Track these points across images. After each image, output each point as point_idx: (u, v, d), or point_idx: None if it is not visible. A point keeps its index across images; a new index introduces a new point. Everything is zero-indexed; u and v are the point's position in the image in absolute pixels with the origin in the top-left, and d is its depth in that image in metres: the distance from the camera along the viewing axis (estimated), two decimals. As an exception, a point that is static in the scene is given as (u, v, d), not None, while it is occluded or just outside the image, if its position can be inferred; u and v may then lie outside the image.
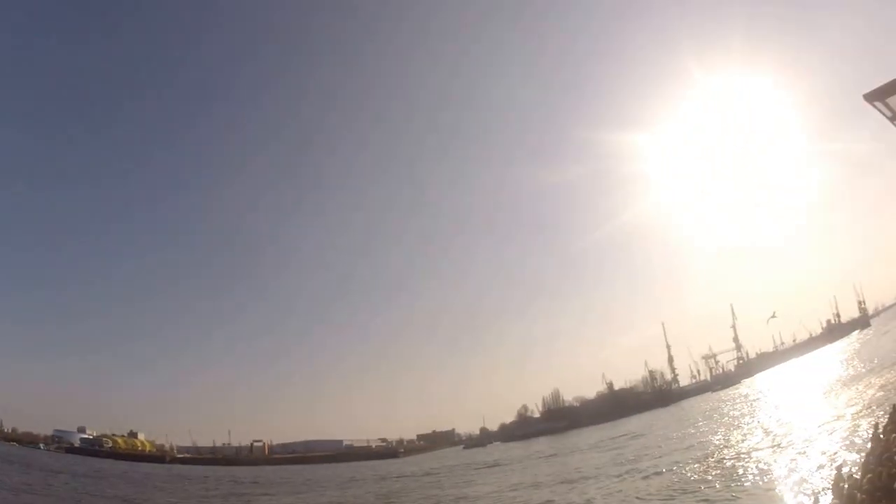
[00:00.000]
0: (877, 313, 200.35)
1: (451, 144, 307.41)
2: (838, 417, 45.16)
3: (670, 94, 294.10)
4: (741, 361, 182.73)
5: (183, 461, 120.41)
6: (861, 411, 43.92)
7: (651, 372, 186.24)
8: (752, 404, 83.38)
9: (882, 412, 33.18)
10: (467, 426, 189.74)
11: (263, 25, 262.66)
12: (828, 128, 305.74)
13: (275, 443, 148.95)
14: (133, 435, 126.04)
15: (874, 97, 17.51)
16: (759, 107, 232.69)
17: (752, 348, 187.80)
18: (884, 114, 18.17)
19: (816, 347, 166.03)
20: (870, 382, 53.72)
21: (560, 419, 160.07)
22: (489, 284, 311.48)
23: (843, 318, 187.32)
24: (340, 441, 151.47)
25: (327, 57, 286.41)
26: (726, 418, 73.61)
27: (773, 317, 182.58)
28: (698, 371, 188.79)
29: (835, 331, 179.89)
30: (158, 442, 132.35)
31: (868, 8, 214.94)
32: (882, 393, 45.54)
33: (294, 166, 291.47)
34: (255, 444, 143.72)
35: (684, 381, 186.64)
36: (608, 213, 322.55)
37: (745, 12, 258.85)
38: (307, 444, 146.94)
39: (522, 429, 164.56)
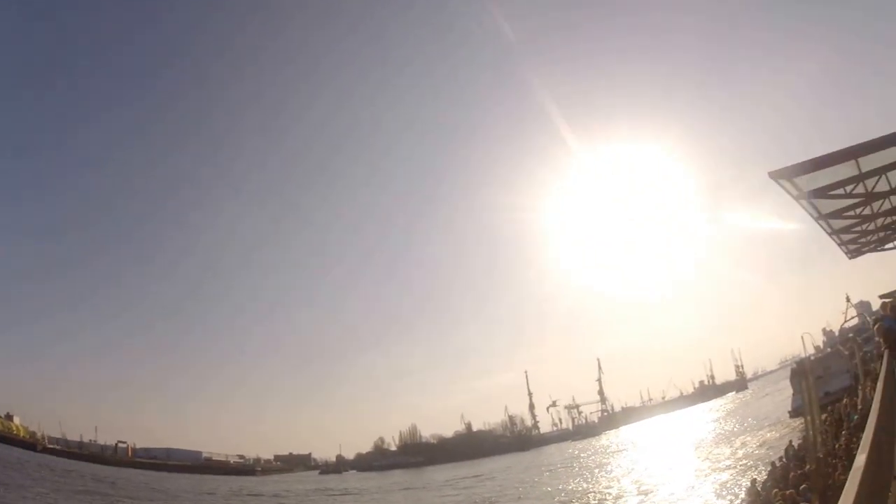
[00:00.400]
0: (756, 377, 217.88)
1: (342, 178, 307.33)
2: (710, 472, 45.66)
3: (559, 158, 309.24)
4: (605, 414, 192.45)
5: (53, 452, 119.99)
6: (733, 466, 44.65)
7: (511, 416, 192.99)
8: (615, 455, 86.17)
9: (763, 468, 33.00)
10: (325, 452, 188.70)
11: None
12: (728, 198, 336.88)
13: (138, 446, 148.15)
14: (9, 418, 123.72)
15: (780, 175, 18.62)
16: (654, 174, 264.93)
17: (618, 402, 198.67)
18: (789, 192, 19.50)
19: (688, 405, 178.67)
20: (744, 441, 55.32)
21: (417, 454, 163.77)
22: (363, 317, 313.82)
23: (719, 380, 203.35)
24: (200, 453, 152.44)
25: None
26: (589, 466, 74.98)
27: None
28: (560, 420, 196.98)
29: (707, 391, 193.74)
30: (31, 429, 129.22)
31: (772, 98, 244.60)
32: (761, 451, 46.61)
33: (184, 178, 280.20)
34: (120, 444, 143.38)
35: (545, 428, 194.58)
36: (488, 263, 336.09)
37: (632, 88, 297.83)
38: (169, 452, 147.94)
39: (379, 460, 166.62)
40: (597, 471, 70.26)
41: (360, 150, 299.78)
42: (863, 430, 21.51)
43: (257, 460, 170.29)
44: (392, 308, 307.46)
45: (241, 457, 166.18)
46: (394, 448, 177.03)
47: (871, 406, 12.15)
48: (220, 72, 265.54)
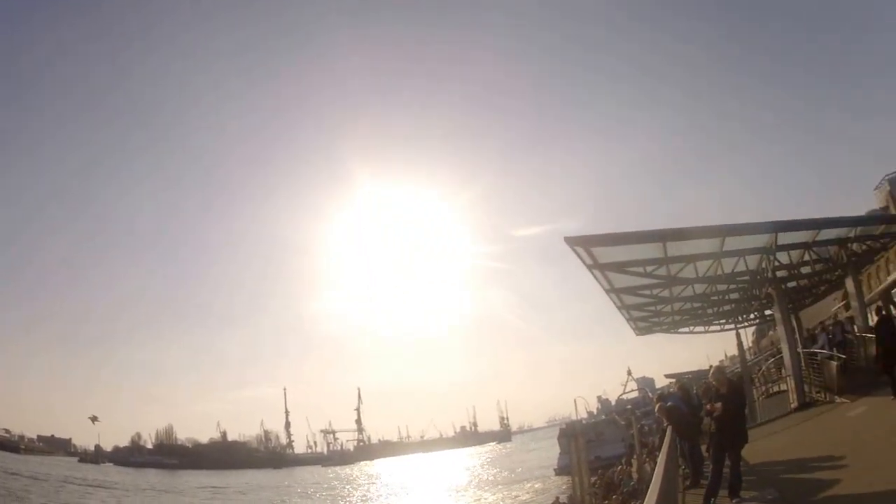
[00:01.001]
0: (521, 431, 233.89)
1: (130, 160, 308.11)
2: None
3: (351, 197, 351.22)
4: (362, 444, 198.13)
5: None
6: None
7: (266, 432, 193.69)
8: (372, 486, 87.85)
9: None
10: (83, 439, 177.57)
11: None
12: (521, 257, 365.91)
13: None
14: None
15: (577, 242, 19.82)
16: (445, 225, 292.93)
17: (375, 433, 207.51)
18: (584, 261, 20.88)
19: (447, 448, 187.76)
20: (507, 493, 58.97)
21: (172, 456, 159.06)
22: (127, 304, 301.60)
23: (482, 428, 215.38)
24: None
25: None
26: (345, 495, 75.84)
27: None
28: (315, 443, 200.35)
29: (469, 437, 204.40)
30: None
31: (566, 158, 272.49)
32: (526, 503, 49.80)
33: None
34: None
35: (300, 448, 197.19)
36: (260, 274, 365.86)
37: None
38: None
39: (136, 456, 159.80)
40: (359, 499, 72.20)
41: (155, 140, 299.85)
42: (636, 498, 24.35)
43: (21, 438, 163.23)
44: (158, 299, 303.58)
45: (7, 431, 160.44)
46: (150, 446, 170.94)
47: (650, 478, 14.06)
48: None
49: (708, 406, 12.67)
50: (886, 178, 52.31)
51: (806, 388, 23.92)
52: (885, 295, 28.38)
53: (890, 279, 29.87)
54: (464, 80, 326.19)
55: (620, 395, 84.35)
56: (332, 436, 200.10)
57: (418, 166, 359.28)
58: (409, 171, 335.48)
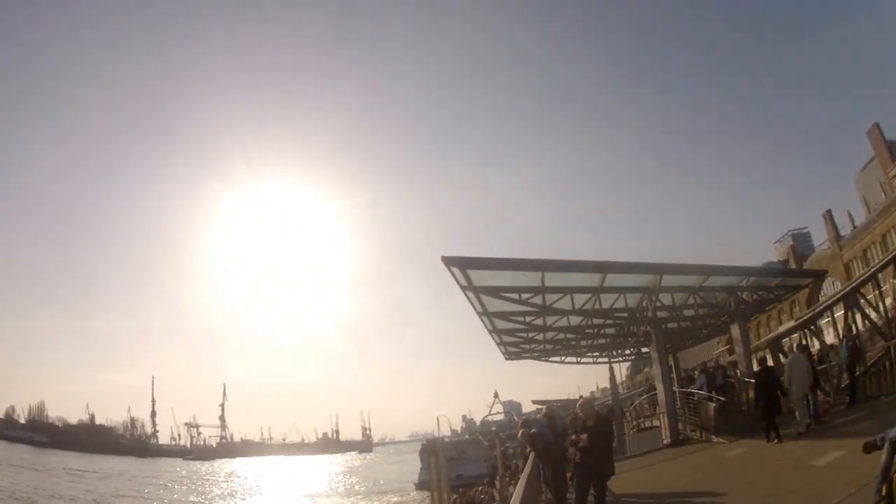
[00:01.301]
0: (382, 443, 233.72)
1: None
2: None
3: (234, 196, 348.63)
4: (224, 440, 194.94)
5: None
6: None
7: (133, 419, 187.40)
8: (233, 483, 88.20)
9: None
10: None
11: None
12: (398, 272, 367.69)
13: None
14: None
15: (454, 262, 19.72)
16: (328, 236, 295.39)
17: (238, 431, 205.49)
18: (458, 281, 20.62)
19: (309, 453, 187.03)
20: (366, 502, 57.81)
21: (44, 434, 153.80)
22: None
23: (343, 436, 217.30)
24: None
25: None
26: (206, 491, 73.73)
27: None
28: (179, 435, 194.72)
29: (330, 444, 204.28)
30: None
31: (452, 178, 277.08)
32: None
33: None
34: None
35: (164, 439, 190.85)
36: (139, 255, 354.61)
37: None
38: None
39: (10, 430, 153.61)
40: (232, 495, 71.79)
41: (35, 114, 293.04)
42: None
43: None
44: (26, 273, 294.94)
45: None
46: (23, 421, 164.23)
47: (510, 500, 13.22)
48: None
49: (573, 437, 12.33)
50: (790, 233, 53.94)
51: (681, 426, 23.75)
52: (775, 344, 28.51)
53: (782, 328, 30.27)
54: (360, 84, 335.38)
55: (486, 416, 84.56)
56: (195, 430, 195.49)
57: (306, 170, 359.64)
58: (297, 174, 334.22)
